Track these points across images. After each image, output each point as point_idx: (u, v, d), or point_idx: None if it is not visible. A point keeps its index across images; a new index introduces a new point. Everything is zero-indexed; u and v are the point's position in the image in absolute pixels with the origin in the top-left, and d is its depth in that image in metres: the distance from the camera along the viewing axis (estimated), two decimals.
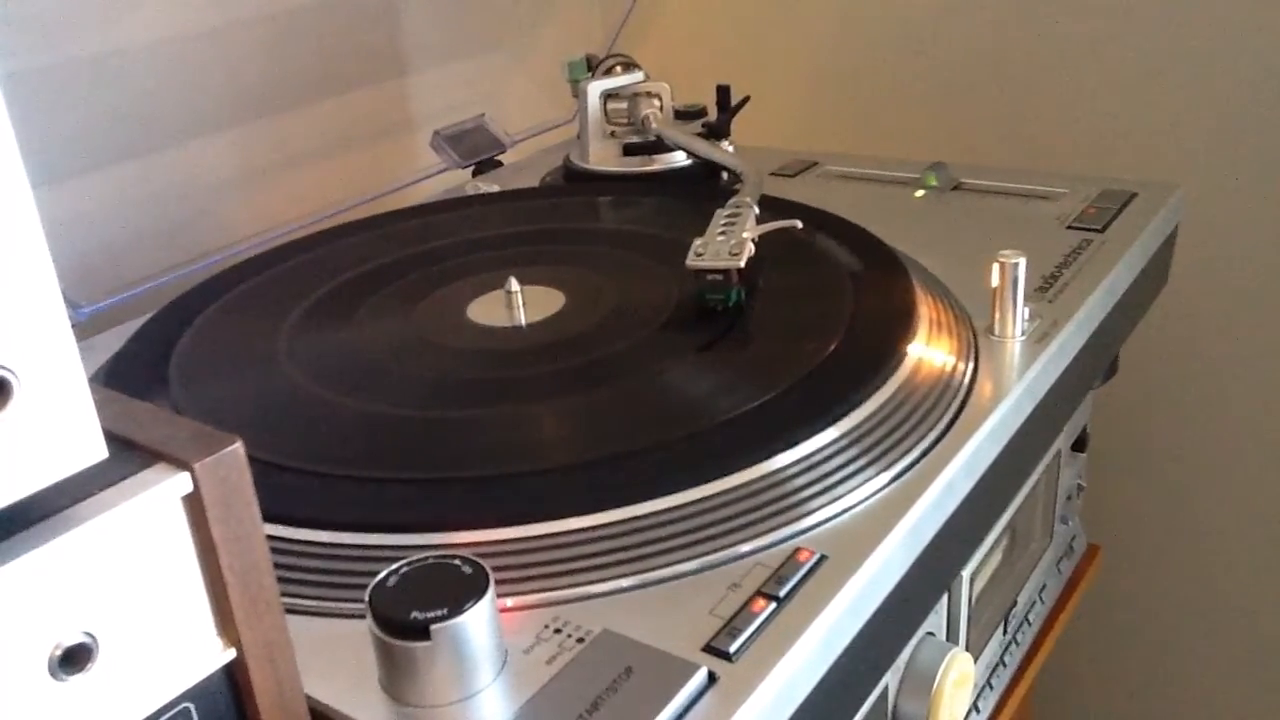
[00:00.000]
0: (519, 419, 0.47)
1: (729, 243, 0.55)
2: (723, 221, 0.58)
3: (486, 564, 0.34)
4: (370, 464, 0.44)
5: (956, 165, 0.75)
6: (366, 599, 0.33)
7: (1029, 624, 0.67)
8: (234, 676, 0.29)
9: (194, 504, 0.27)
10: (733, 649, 0.35)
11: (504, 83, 0.99)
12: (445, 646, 0.32)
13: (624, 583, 0.38)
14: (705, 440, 0.44)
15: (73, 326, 0.25)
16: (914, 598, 0.43)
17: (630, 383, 0.49)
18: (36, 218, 0.23)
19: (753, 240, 0.56)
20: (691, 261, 0.54)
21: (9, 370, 0.23)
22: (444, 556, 0.34)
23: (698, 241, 0.56)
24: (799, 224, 0.58)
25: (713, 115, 0.78)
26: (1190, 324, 0.88)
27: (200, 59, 0.76)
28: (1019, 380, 0.49)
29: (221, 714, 0.29)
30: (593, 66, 0.82)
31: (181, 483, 0.26)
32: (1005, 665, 0.64)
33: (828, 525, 0.40)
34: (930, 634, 0.51)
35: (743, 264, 0.54)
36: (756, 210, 0.60)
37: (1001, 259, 0.51)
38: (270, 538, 0.29)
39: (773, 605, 0.36)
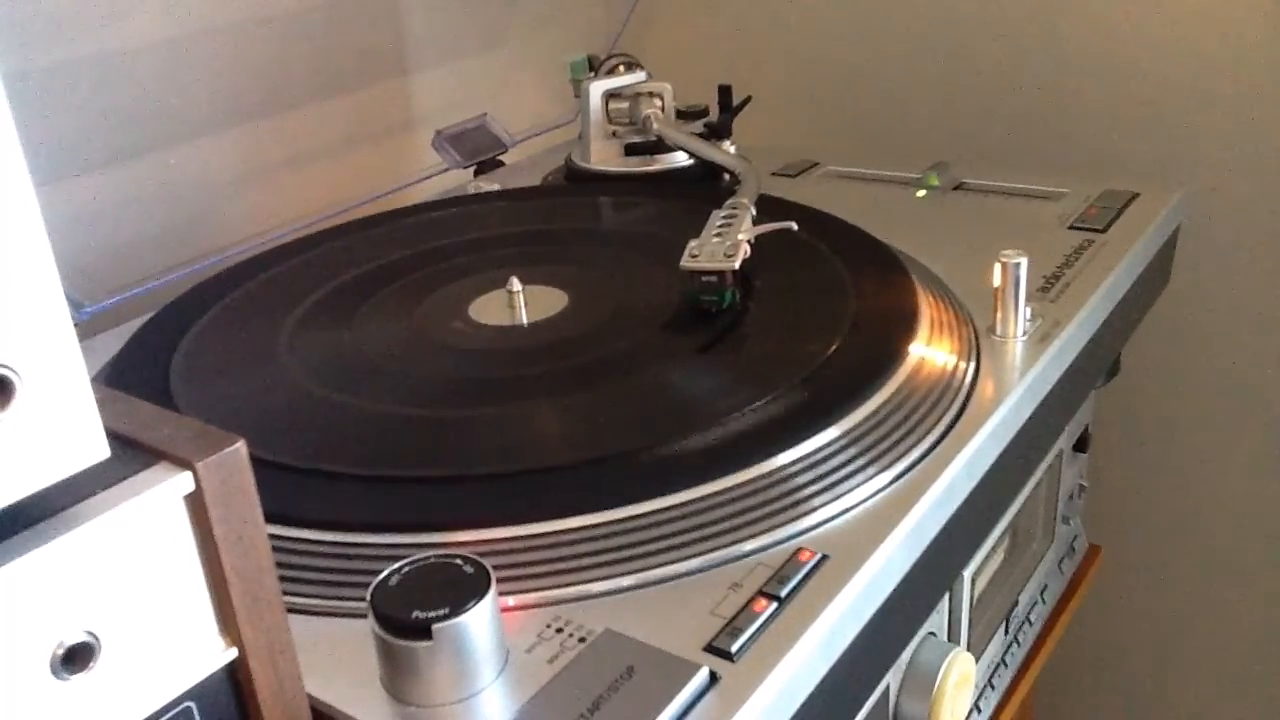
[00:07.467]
0: (521, 418, 0.47)
1: (724, 244, 0.55)
2: (719, 223, 0.58)
3: (488, 563, 0.34)
4: (372, 463, 0.44)
5: (958, 165, 0.75)
6: (368, 598, 0.33)
7: (1030, 624, 0.67)
8: (236, 676, 0.29)
9: (196, 503, 0.27)
10: (734, 649, 0.35)
11: (506, 82, 0.99)
12: (447, 646, 0.32)
13: (625, 582, 0.38)
14: (707, 439, 0.44)
15: (75, 326, 0.25)
16: (915, 598, 0.43)
17: (632, 382, 0.49)
18: (39, 217, 0.23)
19: (748, 241, 0.55)
20: (686, 263, 0.54)
21: (11, 370, 0.23)
22: (445, 556, 0.34)
23: (693, 243, 0.55)
24: (794, 225, 0.58)
25: (714, 115, 0.78)
26: (1192, 324, 0.88)
27: (200, 59, 0.76)
28: (1020, 380, 0.49)
29: (223, 713, 0.29)
30: (595, 66, 0.82)
31: (183, 482, 0.26)
32: (1006, 665, 0.64)
33: (829, 525, 0.40)
34: (932, 634, 0.51)
35: (737, 265, 0.54)
36: (753, 211, 0.60)
37: (1003, 259, 0.51)
38: (272, 537, 0.29)
39: (774, 605, 0.36)
